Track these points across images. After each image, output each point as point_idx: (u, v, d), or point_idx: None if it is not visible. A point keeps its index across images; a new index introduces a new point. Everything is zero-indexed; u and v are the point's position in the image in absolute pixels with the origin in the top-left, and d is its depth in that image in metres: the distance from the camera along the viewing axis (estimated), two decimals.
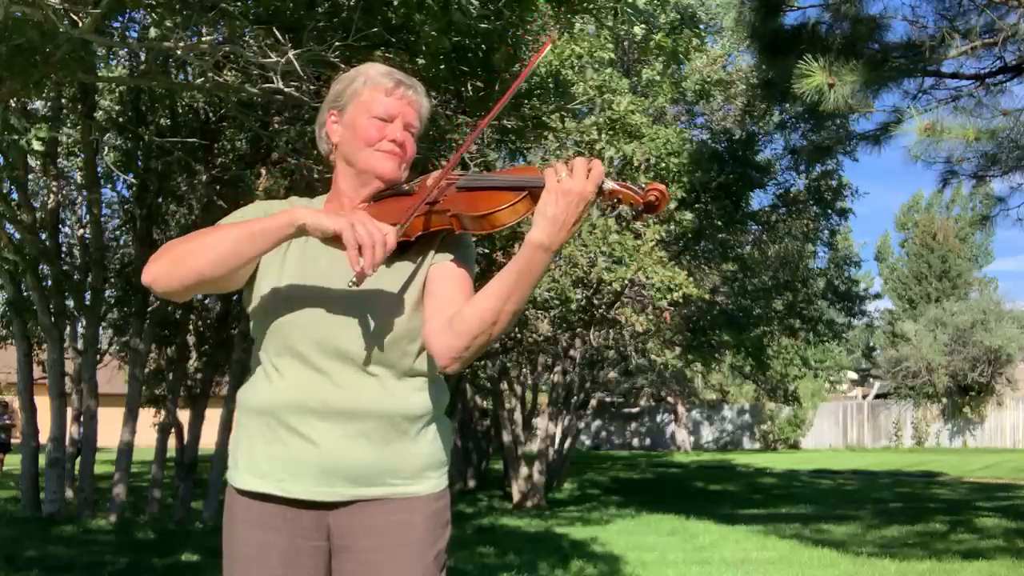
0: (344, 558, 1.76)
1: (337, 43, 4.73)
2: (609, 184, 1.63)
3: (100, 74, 6.78)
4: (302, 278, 1.77)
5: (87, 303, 10.13)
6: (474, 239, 1.89)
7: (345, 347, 1.73)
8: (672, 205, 11.22)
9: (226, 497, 1.82)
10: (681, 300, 10.89)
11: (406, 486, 1.76)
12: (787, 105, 13.03)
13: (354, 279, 1.62)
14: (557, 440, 14.30)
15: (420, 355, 1.78)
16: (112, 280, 11.29)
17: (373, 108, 1.81)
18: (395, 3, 4.74)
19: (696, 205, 13.52)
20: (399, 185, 1.85)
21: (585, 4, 5.78)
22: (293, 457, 1.73)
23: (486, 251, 9.68)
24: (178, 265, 1.70)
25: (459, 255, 1.81)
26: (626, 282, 10.44)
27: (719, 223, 13.79)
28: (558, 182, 1.60)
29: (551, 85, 7.25)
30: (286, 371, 1.75)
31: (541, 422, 14.22)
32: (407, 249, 1.79)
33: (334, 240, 1.66)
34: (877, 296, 30.32)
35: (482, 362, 12.43)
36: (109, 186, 10.90)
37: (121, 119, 9.41)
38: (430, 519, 1.77)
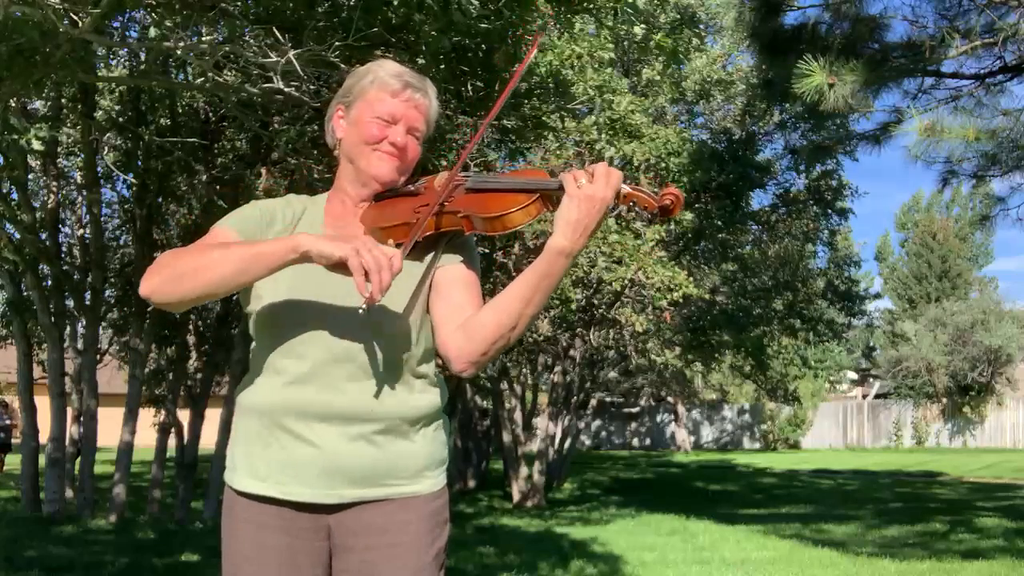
0: (344, 558, 1.76)
1: (337, 43, 4.73)
2: (626, 188, 1.65)
3: (100, 74, 6.77)
4: (305, 279, 1.75)
5: (87, 303, 10.12)
6: (475, 240, 1.88)
7: (349, 349, 1.72)
8: None
9: (224, 498, 1.82)
10: (681, 300, 10.90)
11: (405, 486, 1.75)
12: (787, 105, 13.05)
13: (364, 306, 1.60)
14: (557, 440, 14.29)
15: (423, 357, 1.78)
16: (112, 280, 11.29)
17: (377, 108, 1.80)
18: (395, 3, 4.74)
19: (696, 205, 13.53)
20: (402, 185, 1.83)
21: (585, 4, 5.77)
22: (293, 460, 1.72)
23: (486, 251, 9.68)
24: (178, 283, 1.67)
25: (467, 257, 1.82)
26: (626, 282, 10.44)
27: (719, 223, 13.81)
28: (579, 187, 1.62)
29: (551, 85, 7.24)
30: (286, 372, 1.73)
31: (541, 422, 14.21)
32: (412, 248, 1.77)
33: (339, 267, 1.62)
34: (877, 296, 30.34)
35: None
36: (109, 186, 10.90)
37: (121, 119, 9.40)
38: (429, 518, 1.77)
